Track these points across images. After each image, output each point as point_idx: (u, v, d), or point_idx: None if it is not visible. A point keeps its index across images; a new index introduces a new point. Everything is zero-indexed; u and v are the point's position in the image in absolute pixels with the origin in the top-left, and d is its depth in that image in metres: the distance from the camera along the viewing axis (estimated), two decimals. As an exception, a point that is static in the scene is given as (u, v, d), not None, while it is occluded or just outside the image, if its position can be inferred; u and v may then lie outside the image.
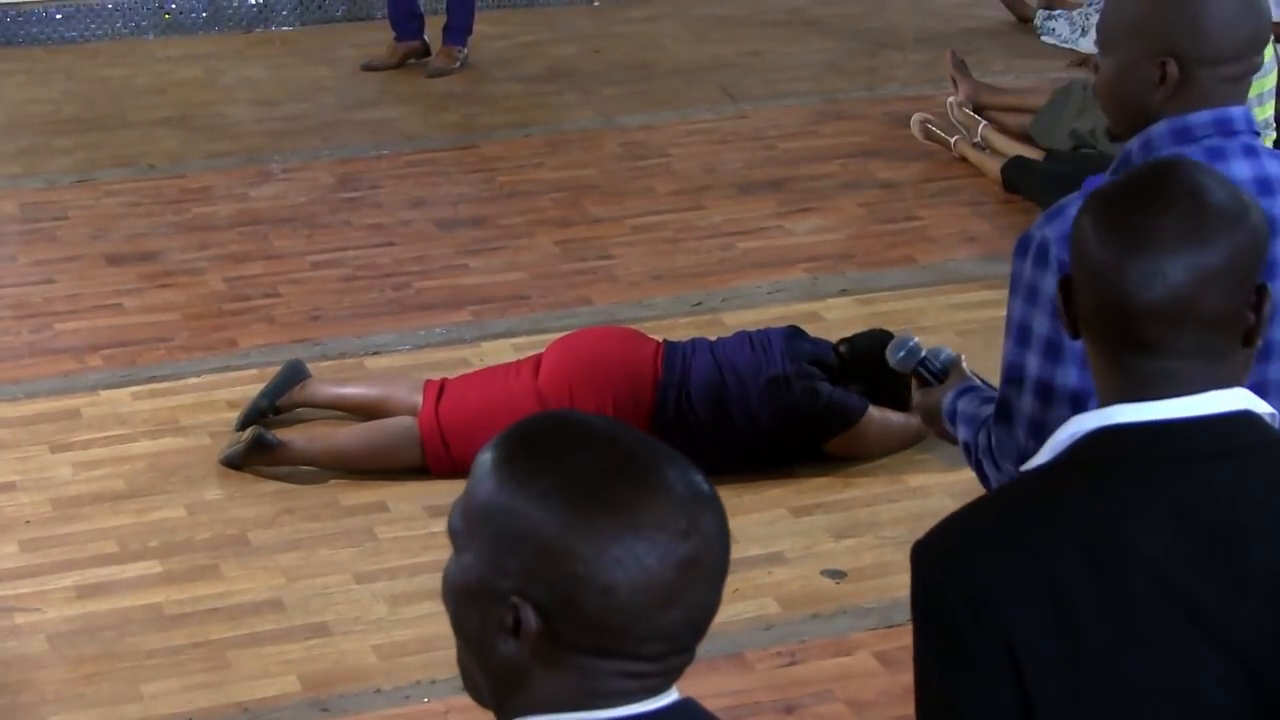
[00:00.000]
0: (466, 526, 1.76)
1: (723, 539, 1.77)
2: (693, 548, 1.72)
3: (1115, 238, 1.96)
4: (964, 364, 3.07)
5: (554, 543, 1.69)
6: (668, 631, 1.72)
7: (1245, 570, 1.93)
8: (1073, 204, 2.64)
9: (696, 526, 1.73)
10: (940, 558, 1.98)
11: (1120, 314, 1.96)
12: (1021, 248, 2.73)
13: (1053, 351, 2.67)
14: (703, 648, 1.80)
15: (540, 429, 1.78)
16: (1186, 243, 1.95)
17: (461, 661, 1.81)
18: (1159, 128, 2.69)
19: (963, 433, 2.90)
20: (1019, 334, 2.73)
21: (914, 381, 3.10)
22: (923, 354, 3.07)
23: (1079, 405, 2.63)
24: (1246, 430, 1.98)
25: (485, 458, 1.76)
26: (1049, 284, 2.63)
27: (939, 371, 3.05)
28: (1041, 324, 2.68)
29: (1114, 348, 1.99)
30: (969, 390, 2.97)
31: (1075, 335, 2.07)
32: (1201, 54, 2.66)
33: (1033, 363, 2.70)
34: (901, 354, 3.09)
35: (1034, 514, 1.96)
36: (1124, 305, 1.96)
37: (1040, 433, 2.64)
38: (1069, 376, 2.67)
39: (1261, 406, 2.00)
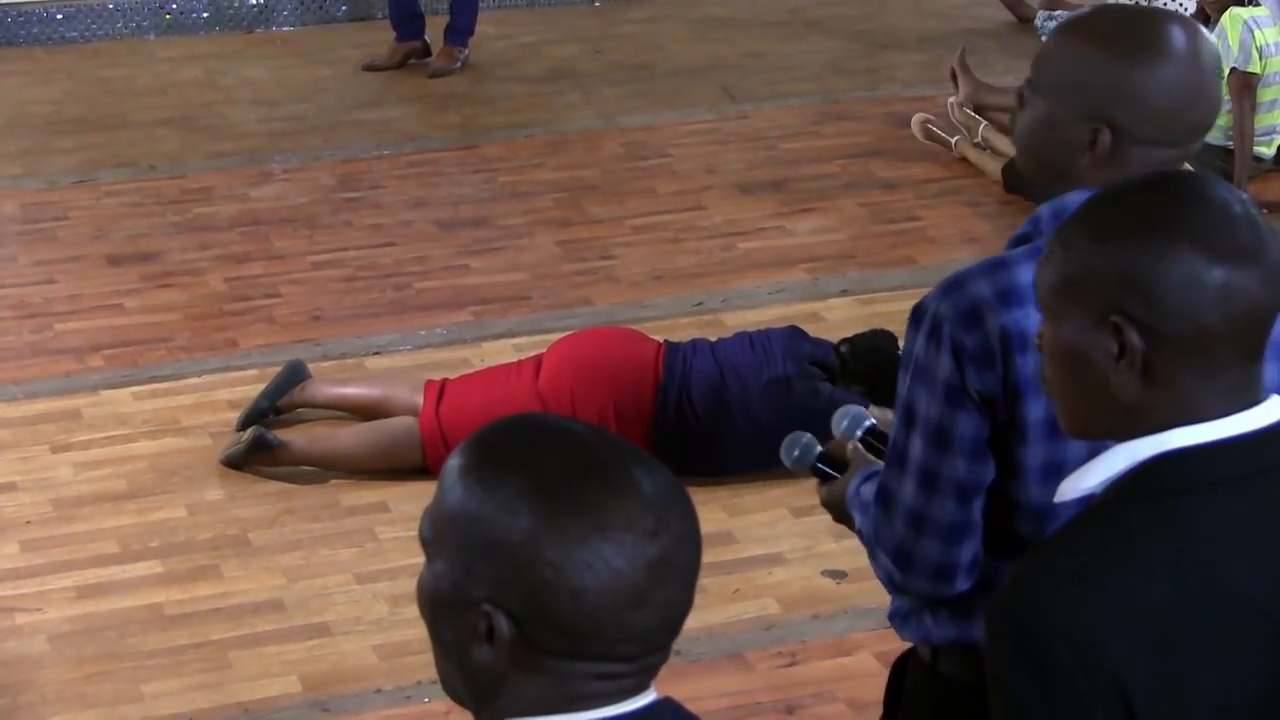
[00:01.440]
0: (436, 534, 1.77)
1: (693, 538, 1.76)
2: (661, 548, 1.71)
3: (1226, 249, 1.92)
4: (859, 436, 2.79)
5: (522, 549, 1.69)
6: (640, 633, 1.72)
7: None
8: (972, 279, 2.48)
9: (665, 526, 1.71)
10: (1035, 615, 1.91)
11: (1252, 320, 1.94)
12: (916, 316, 2.52)
13: (941, 440, 2.50)
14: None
15: (506, 434, 1.78)
16: (1271, 240, 1.96)
17: (440, 667, 1.81)
18: (1077, 198, 2.41)
19: (859, 521, 2.70)
20: (904, 412, 2.53)
21: (816, 479, 2.84)
22: (818, 449, 2.82)
23: (964, 499, 2.51)
24: None
25: (452, 464, 1.76)
26: (943, 366, 2.47)
27: (839, 462, 2.80)
28: (930, 407, 2.49)
29: (1222, 362, 1.94)
30: (873, 475, 2.70)
31: (1146, 373, 1.95)
32: (1138, 130, 2.46)
33: (917, 447, 2.51)
34: (796, 453, 2.83)
35: (1120, 554, 1.92)
36: (1257, 310, 1.94)
37: (921, 525, 2.53)
38: (956, 468, 2.49)
39: None
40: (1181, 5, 8.59)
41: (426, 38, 8.68)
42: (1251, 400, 1.97)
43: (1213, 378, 1.95)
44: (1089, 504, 2.00)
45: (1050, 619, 1.89)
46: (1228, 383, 1.96)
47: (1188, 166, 7.17)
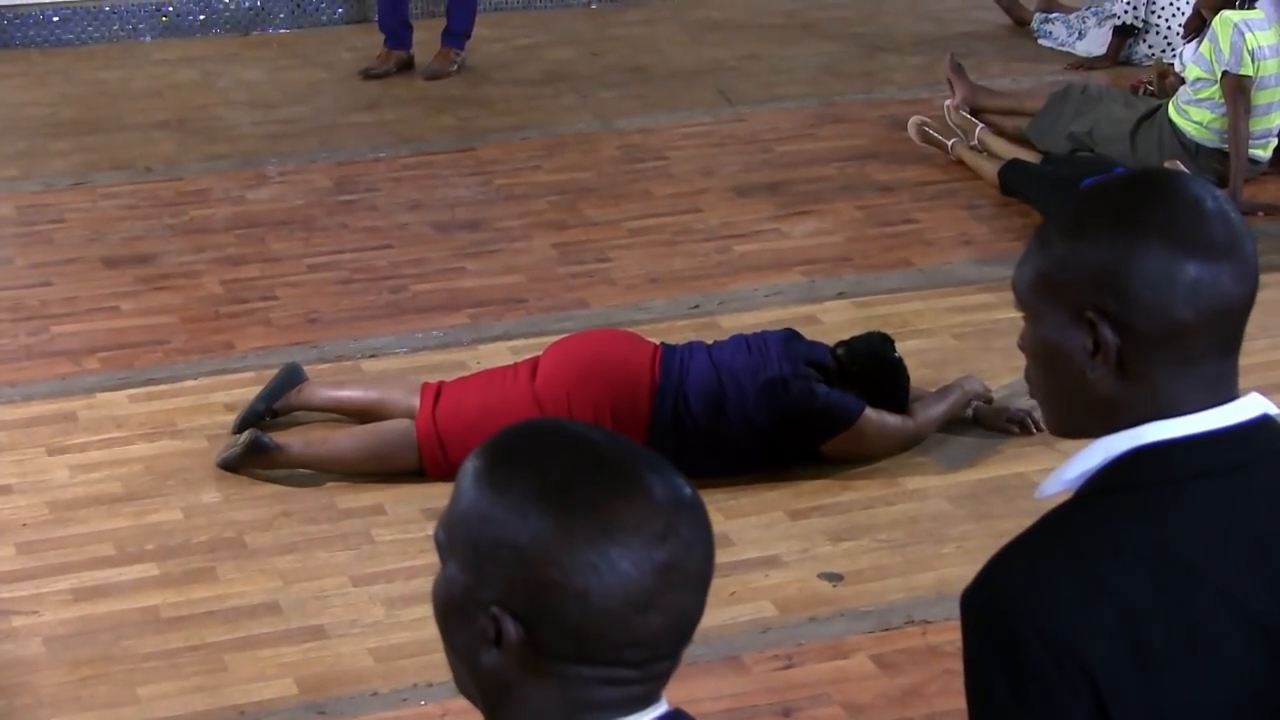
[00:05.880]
0: (450, 537, 1.76)
1: (704, 544, 1.75)
2: (670, 552, 1.70)
3: (1197, 245, 1.93)
4: None
5: (529, 550, 1.68)
6: (648, 638, 1.71)
7: None
8: None
9: (675, 531, 1.71)
10: (1007, 603, 1.91)
11: (1224, 315, 1.94)
12: None
13: None
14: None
15: (520, 437, 1.77)
16: (1245, 236, 1.97)
17: (454, 670, 1.81)
18: None
19: None
20: None
21: None
22: None
23: None
24: (1271, 434, 1.99)
25: (467, 467, 1.76)
26: None
27: None
28: None
29: (1196, 356, 1.95)
30: None
31: (1121, 368, 1.95)
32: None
33: None
34: None
35: (1094, 545, 1.92)
36: (1229, 305, 1.94)
37: None
38: None
39: (1273, 409, 2.01)
40: (1178, 8, 8.60)
41: (412, 51, 8.66)
42: (1228, 396, 1.97)
43: (1188, 372, 1.95)
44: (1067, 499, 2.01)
45: (1022, 609, 1.90)
46: (1203, 377, 1.96)
47: (1182, 168, 7.20)
